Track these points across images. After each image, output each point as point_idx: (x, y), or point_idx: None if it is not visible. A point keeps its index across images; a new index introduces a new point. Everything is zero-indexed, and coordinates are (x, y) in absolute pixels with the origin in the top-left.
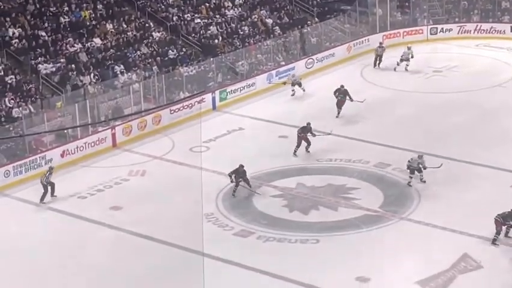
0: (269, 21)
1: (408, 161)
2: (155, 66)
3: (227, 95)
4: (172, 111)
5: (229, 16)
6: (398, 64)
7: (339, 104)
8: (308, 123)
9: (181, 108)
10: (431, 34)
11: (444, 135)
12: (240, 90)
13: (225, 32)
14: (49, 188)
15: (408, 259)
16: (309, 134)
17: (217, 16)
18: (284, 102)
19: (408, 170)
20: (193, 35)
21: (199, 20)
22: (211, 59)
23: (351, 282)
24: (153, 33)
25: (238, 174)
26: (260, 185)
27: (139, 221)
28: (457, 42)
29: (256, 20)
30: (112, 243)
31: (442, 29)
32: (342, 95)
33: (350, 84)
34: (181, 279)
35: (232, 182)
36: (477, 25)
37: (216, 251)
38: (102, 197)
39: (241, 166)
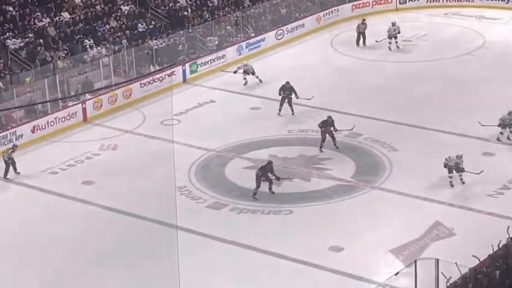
0: None
1: (446, 159)
2: (125, 40)
3: (197, 67)
4: (143, 85)
5: None
6: (390, 43)
7: (283, 101)
8: (329, 117)
9: (152, 82)
10: (400, 3)
11: (415, 104)
12: (210, 62)
13: (194, 4)
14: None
15: (381, 228)
16: (332, 128)
17: None
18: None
19: (446, 169)
20: (162, 7)
21: None
22: (181, 31)
23: (324, 252)
24: (122, 6)
25: (266, 171)
26: (232, 157)
27: (111, 195)
28: (426, 11)
29: None
30: (85, 218)
31: None
32: (287, 92)
33: (321, 54)
34: (155, 252)
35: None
36: None
37: (190, 224)
38: (74, 172)
39: (270, 162)
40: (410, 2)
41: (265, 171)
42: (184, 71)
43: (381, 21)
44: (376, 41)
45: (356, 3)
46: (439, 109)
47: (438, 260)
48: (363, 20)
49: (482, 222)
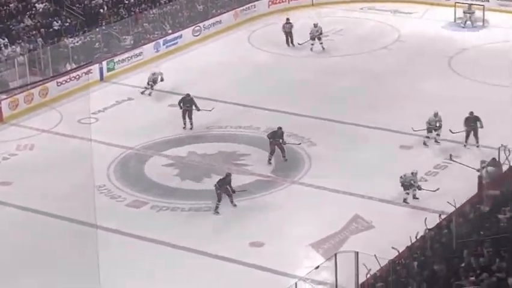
0: None
1: (401, 177)
2: (40, 38)
3: (115, 65)
4: (59, 84)
5: None
6: (312, 44)
7: (184, 114)
8: (279, 128)
9: (68, 80)
10: None
11: (332, 99)
12: (128, 60)
13: (110, 1)
14: None
15: (300, 222)
16: (280, 140)
17: None
18: (172, 71)
19: (402, 187)
20: (78, 5)
21: None
22: (97, 29)
23: (245, 247)
24: (36, 4)
25: (224, 183)
26: (151, 155)
27: (29, 196)
28: (341, 6)
29: None
30: (3, 219)
31: None
32: (188, 104)
33: (238, 50)
34: (75, 252)
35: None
36: None
37: (109, 223)
38: None
39: (228, 174)
40: None
41: (223, 184)
42: (101, 69)
43: (298, 16)
44: (298, 44)
45: None
46: (357, 103)
47: (357, 252)
48: (287, 19)
49: (400, 214)
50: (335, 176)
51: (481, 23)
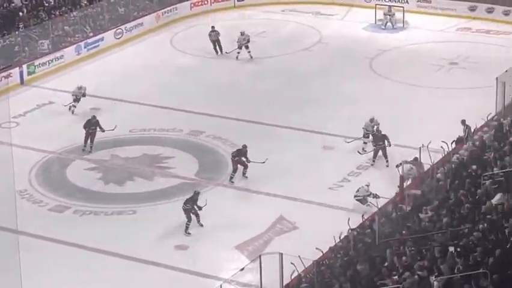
0: None
1: (355, 195)
2: None
3: (35, 68)
4: None
5: None
6: (238, 53)
7: (87, 137)
8: (244, 146)
9: None
10: (238, 1)
11: (255, 101)
12: (49, 63)
13: (30, 4)
14: None
15: (225, 225)
16: (243, 157)
17: None
18: (93, 74)
19: (360, 202)
20: None
21: None
22: (16, 32)
23: (170, 251)
24: None
25: (194, 202)
26: (74, 159)
27: None
28: (263, 8)
29: None
30: None
31: None
32: (93, 127)
33: (160, 53)
34: None
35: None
36: None
37: (31, 228)
38: None
39: (197, 193)
40: None
41: (193, 203)
42: (21, 73)
43: (221, 18)
44: (226, 52)
45: (194, 1)
46: (279, 105)
47: (282, 254)
48: (213, 27)
49: (324, 215)
50: (258, 178)
51: (401, 25)
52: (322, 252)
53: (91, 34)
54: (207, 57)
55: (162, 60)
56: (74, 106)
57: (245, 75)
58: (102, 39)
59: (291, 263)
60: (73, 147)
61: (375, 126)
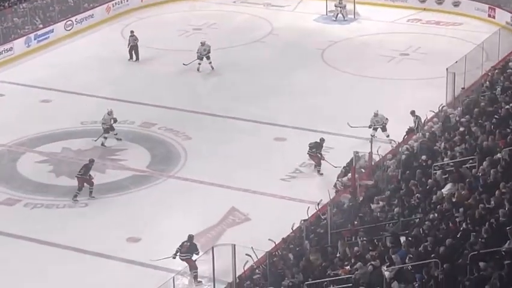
0: None
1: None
2: None
3: None
4: None
5: None
6: (199, 64)
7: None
8: (321, 139)
9: None
10: None
11: (207, 92)
12: None
13: None
14: None
15: (177, 216)
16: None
17: None
18: (44, 66)
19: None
20: None
21: None
22: None
23: (122, 243)
24: None
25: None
26: (24, 152)
27: None
28: None
29: None
30: None
31: None
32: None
33: (112, 44)
34: None
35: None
36: None
37: None
38: None
39: (91, 161)
40: None
41: (87, 171)
42: None
43: (171, 9)
44: (184, 64)
45: None
46: (231, 96)
47: (234, 245)
48: (132, 32)
49: (276, 206)
50: (210, 169)
51: (352, 16)
52: (274, 243)
53: (41, 26)
54: (158, 49)
55: (113, 52)
56: None
57: (196, 66)
58: (52, 31)
59: (247, 254)
60: (23, 140)
61: (381, 121)
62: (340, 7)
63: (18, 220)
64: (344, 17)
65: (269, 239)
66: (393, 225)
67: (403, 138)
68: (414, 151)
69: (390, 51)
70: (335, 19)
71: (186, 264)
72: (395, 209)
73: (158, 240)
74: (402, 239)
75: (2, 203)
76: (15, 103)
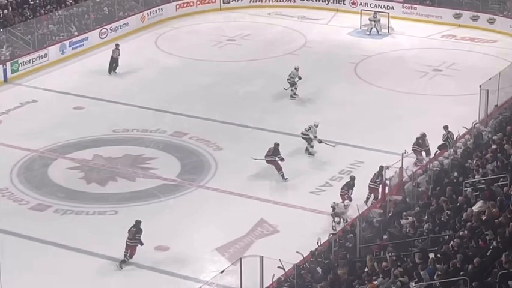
0: None
1: (333, 203)
2: None
3: (19, 66)
4: None
5: None
6: (293, 90)
7: None
8: (352, 178)
9: None
10: (224, 3)
11: (239, 103)
12: (33, 61)
13: (15, 1)
14: None
15: (206, 227)
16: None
17: None
18: (77, 73)
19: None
20: None
21: None
22: (1, 29)
23: (150, 251)
24: None
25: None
26: (56, 158)
27: None
28: (249, 10)
29: None
30: None
31: None
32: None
33: (145, 53)
34: None
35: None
36: None
37: (12, 226)
38: None
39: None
40: (234, 1)
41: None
42: (5, 70)
43: (204, 20)
44: (284, 88)
45: (180, 2)
46: (263, 108)
47: (262, 257)
48: (117, 45)
49: (305, 219)
50: (240, 180)
51: (386, 31)
52: (302, 256)
53: (76, 33)
54: (191, 59)
55: (146, 61)
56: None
57: (229, 77)
58: (87, 38)
59: (279, 267)
60: (56, 146)
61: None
62: (374, 21)
63: (48, 226)
64: (378, 32)
65: (297, 252)
66: (422, 241)
67: (434, 154)
68: (445, 167)
69: (424, 66)
70: (368, 33)
71: (214, 275)
72: (425, 225)
73: (187, 250)
74: (431, 255)
75: (33, 208)
76: (48, 109)
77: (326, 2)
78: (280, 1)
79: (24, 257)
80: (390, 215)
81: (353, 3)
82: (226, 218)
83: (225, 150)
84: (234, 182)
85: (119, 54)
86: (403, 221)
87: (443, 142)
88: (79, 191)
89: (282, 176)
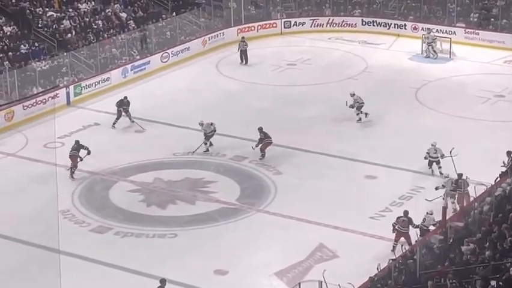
0: (123, 15)
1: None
2: (7, 62)
3: (82, 89)
4: (25, 107)
5: (82, 10)
6: (359, 114)
7: (119, 116)
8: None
9: (35, 104)
10: (284, 27)
11: (299, 128)
12: (95, 85)
13: (79, 26)
14: None
15: (265, 251)
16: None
17: (70, 10)
18: (139, 97)
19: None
20: (46, 29)
21: (51, 13)
22: (65, 53)
23: (209, 275)
24: (4, 27)
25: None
26: (117, 180)
27: None
28: (310, 35)
29: (110, 13)
30: None
31: (295, 22)
32: (125, 106)
33: (206, 77)
34: (38, 278)
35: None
36: (329, 19)
37: (73, 248)
38: None
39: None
40: (294, 26)
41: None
42: (68, 93)
43: (265, 44)
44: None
45: (241, 27)
46: (323, 132)
47: (321, 282)
48: (243, 38)
49: (365, 244)
50: (300, 205)
51: (447, 55)
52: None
53: (138, 57)
54: (252, 83)
55: (207, 85)
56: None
57: (289, 102)
58: (148, 62)
59: None
60: (117, 169)
61: (439, 153)
62: (427, 40)
63: (108, 248)
64: (432, 54)
65: (348, 283)
66: (483, 268)
67: (495, 180)
68: (507, 194)
69: (486, 92)
70: (426, 56)
71: None
72: (486, 252)
73: (245, 274)
74: (493, 283)
75: (94, 231)
76: (110, 132)
77: (387, 27)
78: (341, 26)
79: (84, 278)
80: (451, 241)
81: (414, 28)
82: (285, 242)
83: (284, 175)
84: (294, 207)
85: (246, 45)
86: (464, 248)
87: (507, 168)
88: (139, 213)
89: (252, 147)
